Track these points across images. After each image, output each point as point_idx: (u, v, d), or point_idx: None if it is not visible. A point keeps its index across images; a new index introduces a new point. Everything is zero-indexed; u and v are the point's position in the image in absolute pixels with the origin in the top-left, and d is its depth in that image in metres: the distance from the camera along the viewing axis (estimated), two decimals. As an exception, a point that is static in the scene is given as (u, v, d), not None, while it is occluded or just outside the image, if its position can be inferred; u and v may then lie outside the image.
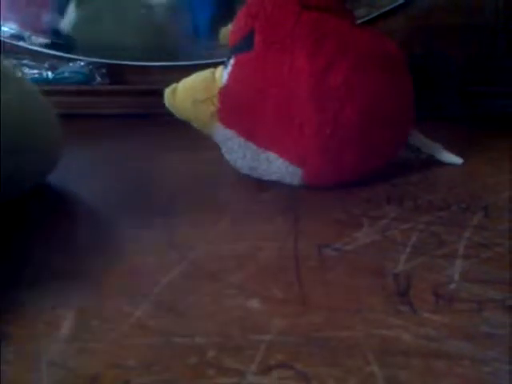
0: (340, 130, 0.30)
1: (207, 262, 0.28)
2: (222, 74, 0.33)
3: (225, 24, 0.58)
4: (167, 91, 0.34)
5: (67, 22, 0.58)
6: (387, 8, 0.49)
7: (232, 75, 0.32)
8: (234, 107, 0.32)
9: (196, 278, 0.27)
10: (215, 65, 0.51)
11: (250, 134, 0.32)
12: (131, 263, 0.28)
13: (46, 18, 0.60)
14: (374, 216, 0.31)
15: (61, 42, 0.56)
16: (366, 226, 0.30)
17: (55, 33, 0.58)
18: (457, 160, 0.37)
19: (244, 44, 0.31)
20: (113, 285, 0.26)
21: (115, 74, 0.52)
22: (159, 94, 0.36)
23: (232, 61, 0.32)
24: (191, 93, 0.33)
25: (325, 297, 0.25)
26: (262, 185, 0.35)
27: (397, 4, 0.47)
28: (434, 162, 0.37)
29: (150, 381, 0.21)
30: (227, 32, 0.50)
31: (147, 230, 0.31)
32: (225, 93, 0.32)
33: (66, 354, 0.22)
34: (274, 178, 0.34)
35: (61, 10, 0.59)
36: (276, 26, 0.30)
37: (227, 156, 0.35)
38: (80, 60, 0.54)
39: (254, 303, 0.25)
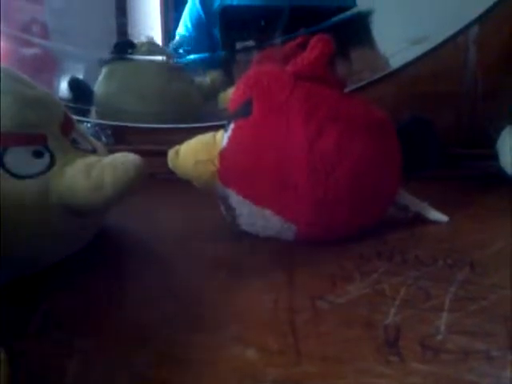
0: (331, 190, 0.33)
1: (205, 314, 0.29)
2: (223, 137, 0.36)
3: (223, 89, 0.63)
4: (171, 152, 0.37)
5: (98, 91, 0.63)
6: (377, 76, 0.53)
7: (231, 139, 0.34)
8: (233, 168, 0.34)
9: (195, 330, 0.28)
10: (215, 128, 0.55)
11: (247, 193, 0.34)
12: (129, 316, 0.30)
13: (55, 83, 0.65)
14: (365, 270, 0.33)
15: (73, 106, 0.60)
16: (357, 280, 0.32)
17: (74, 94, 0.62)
18: (443, 218, 0.39)
19: (243, 111, 0.34)
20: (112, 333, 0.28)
21: (120, 135, 0.55)
22: (162, 154, 0.38)
23: (231, 125, 0.35)
24: (193, 154, 0.36)
25: (318, 347, 0.26)
26: (258, 240, 0.37)
27: (386, 72, 0.51)
28: (421, 220, 0.39)
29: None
30: (226, 97, 0.54)
31: (145, 283, 0.33)
32: (224, 155, 0.35)
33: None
34: (270, 233, 0.35)
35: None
36: (272, 95, 0.33)
37: (226, 213, 0.37)
38: (87, 122, 0.57)
39: (250, 353, 0.26)
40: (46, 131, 0.32)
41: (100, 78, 0.63)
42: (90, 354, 0.26)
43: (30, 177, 0.30)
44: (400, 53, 0.52)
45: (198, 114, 0.64)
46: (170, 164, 0.37)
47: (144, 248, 0.37)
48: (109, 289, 0.32)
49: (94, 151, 0.35)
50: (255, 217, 0.34)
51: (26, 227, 0.30)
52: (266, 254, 0.35)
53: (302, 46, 0.36)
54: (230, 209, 0.35)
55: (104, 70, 0.63)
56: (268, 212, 0.34)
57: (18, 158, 0.30)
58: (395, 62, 0.53)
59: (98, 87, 0.63)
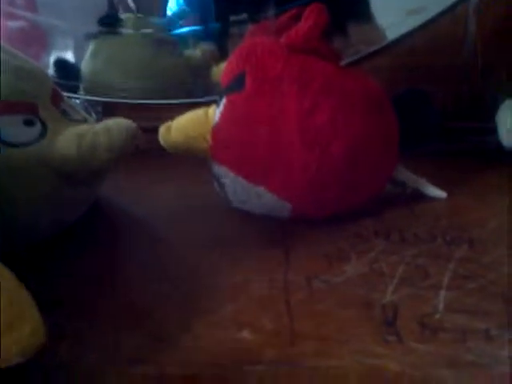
0: (326, 166, 0.32)
1: (200, 294, 0.29)
2: (215, 113, 0.35)
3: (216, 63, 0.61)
4: (162, 128, 0.36)
5: (85, 69, 0.61)
6: (374, 48, 0.51)
7: (223, 114, 0.33)
8: (226, 145, 0.33)
9: (189, 310, 0.27)
10: (206, 104, 0.54)
11: (240, 170, 0.33)
12: (123, 296, 0.29)
13: (45, 58, 0.63)
14: (361, 249, 0.32)
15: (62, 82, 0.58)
16: (354, 259, 0.31)
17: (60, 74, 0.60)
18: (441, 194, 0.38)
19: (235, 85, 0.33)
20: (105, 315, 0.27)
21: (109, 111, 0.54)
22: (153, 130, 0.37)
23: (224, 100, 0.34)
24: (185, 130, 0.35)
25: (314, 327, 0.26)
26: (251, 218, 0.36)
27: (383, 45, 0.49)
28: (419, 196, 0.39)
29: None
30: (219, 71, 0.52)
31: (139, 262, 0.32)
32: (217, 131, 0.34)
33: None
34: (263, 211, 0.35)
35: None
36: (266, 68, 0.32)
37: (219, 190, 0.36)
38: (76, 98, 0.55)
39: (245, 334, 0.26)
40: (37, 101, 0.32)
41: (87, 54, 0.61)
42: (83, 335, 0.25)
43: (23, 145, 0.30)
44: (397, 24, 0.51)
45: (188, 89, 0.63)
46: (161, 140, 0.35)
47: (137, 225, 0.36)
48: (101, 268, 0.31)
49: (84, 121, 0.34)
50: (248, 194, 0.33)
51: (20, 195, 0.29)
52: (259, 233, 0.35)
53: (296, 18, 0.34)
54: (222, 186, 0.34)
55: (91, 46, 0.62)
56: (261, 189, 0.33)
57: (9, 127, 0.30)
58: (392, 34, 0.51)
59: (85, 63, 0.61)
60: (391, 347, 0.24)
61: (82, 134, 0.30)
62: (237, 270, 0.31)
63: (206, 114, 0.36)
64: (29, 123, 0.31)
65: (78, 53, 0.63)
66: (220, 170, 0.34)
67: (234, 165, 0.33)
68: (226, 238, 0.35)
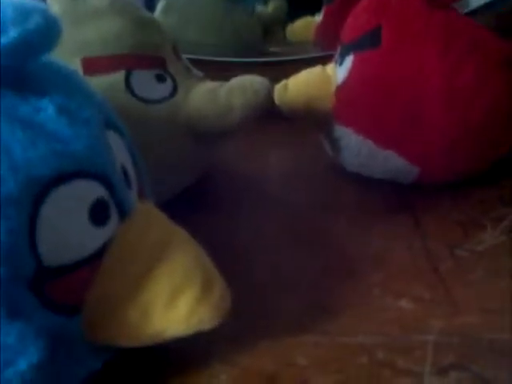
0: (466, 127, 0.30)
1: (341, 262, 0.28)
2: (336, 71, 0.33)
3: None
4: (278, 88, 0.34)
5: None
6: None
7: (353, 72, 0.31)
8: (355, 105, 0.31)
9: (336, 276, 0.27)
10: (290, 62, 0.51)
11: (369, 131, 0.31)
12: (263, 262, 0.28)
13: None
14: (493, 217, 0.31)
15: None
16: (488, 228, 0.30)
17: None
18: None
19: (368, 41, 0.31)
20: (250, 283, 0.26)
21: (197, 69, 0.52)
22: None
23: (351, 58, 0.32)
24: (305, 90, 0.33)
25: (473, 298, 0.25)
26: (368, 183, 0.35)
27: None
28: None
29: (327, 381, 0.21)
30: (295, 29, 0.50)
31: (271, 227, 0.31)
32: (343, 90, 0.32)
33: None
34: (385, 175, 0.33)
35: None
36: (406, 24, 0.30)
37: (334, 153, 0.34)
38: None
39: (404, 303, 0.25)
40: (164, 54, 0.30)
41: (157, 10, 0.59)
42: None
43: (158, 101, 0.29)
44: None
45: (258, 47, 0.61)
46: (278, 100, 0.34)
47: (257, 190, 0.35)
48: (228, 233, 0.30)
49: (203, 78, 0.33)
50: (374, 158, 0.32)
51: (150, 152, 0.28)
52: (383, 199, 0.33)
53: None
54: (342, 149, 0.33)
55: (161, 2, 0.59)
56: (391, 153, 0.31)
57: (143, 82, 0.29)
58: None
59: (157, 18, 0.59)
60: None
61: (215, 91, 0.29)
62: (370, 236, 0.30)
63: (325, 72, 0.34)
64: (161, 79, 0.29)
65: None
66: (343, 131, 0.32)
67: (362, 127, 0.31)
68: (348, 203, 0.33)
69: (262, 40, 0.62)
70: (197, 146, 0.31)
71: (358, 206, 0.33)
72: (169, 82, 0.30)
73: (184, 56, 0.35)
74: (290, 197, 0.34)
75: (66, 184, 0.17)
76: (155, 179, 0.27)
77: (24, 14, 0.15)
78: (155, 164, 0.28)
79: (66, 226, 0.17)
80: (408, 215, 0.32)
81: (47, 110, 0.17)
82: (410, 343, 0.23)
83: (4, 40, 0.15)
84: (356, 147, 0.32)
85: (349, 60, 0.32)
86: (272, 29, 0.62)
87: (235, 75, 0.32)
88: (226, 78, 0.32)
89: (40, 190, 0.16)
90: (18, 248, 0.16)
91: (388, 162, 0.32)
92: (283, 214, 0.33)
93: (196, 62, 0.36)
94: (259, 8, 0.62)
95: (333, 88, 0.33)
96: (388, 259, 0.28)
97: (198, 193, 0.33)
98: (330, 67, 0.34)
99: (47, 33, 0.16)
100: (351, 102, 0.32)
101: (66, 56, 0.27)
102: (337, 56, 0.34)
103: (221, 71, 0.52)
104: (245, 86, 0.29)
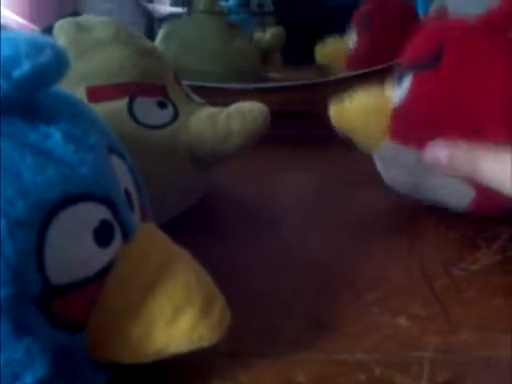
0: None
1: (339, 280, 0.28)
2: (393, 92, 0.34)
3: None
4: (334, 109, 0.34)
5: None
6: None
7: (411, 93, 0.32)
8: (413, 124, 0.32)
9: (334, 295, 0.27)
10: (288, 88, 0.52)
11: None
12: (265, 282, 0.29)
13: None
14: (487, 236, 0.32)
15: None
16: (483, 247, 0.31)
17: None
18: None
19: (427, 62, 0.31)
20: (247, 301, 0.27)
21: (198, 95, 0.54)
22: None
23: (410, 78, 0.32)
24: (363, 111, 0.33)
25: (468, 316, 0.25)
26: (365, 203, 0.35)
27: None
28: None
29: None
30: (328, 52, 0.50)
31: (269, 246, 0.32)
32: (402, 109, 0.32)
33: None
34: (438, 199, 0.33)
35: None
36: (468, 47, 0.30)
37: (387, 173, 0.34)
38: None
39: (401, 321, 0.25)
40: (165, 82, 0.32)
41: (158, 38, 0.61)
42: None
43: (159, 127, 0.30)
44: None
45: (257, 73, 0.62)
46: (334, 121, 0.34)
47: (254, 210, 0.36)
48: (228, 255, 0.31)
49: (204, 104, 0.34)
50: (430, 177, 0.31)
51: (151, 177, 0.29)
52: (381, 218, 0.34)
53: None
54: (396, 168, 0.33)
55: (162, 30, 0.61)
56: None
57: (145, 109, 0.30)
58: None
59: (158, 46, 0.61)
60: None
61: (214, 117, 0.30)
62: (368, 255, 0.30)
63: (384, 93, 0.34)
64: (162, 105, 0.30)
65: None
66: (399, 150, 0.32)
67: (421, 145, 0.31)
68: (345, 223, 0.34)
69: (260, 66, 0.63)
70: (197, 170, 0.32)
71: (356, 225, 0.34)
72: (170, 108, 0.31)
73: (184, 83, 0.36)
74: (286, 217, 0.35)
75: (72, 206, 0.18)
76: (156, 202, 0.28)
77: (37, 47, 0.16)
78: (156, 187, 0.29)
79: (73, 247, 0.18)
80: (404, 235, 0.32)
81: (55, 136, 0.18)
82: (406, 360, 0.23)
83: (18, 72, 0.16)
84: (411, 166, 0.32)
85: (407, 80, 0.32)
86: (270, 55, 0.64)
87: (234, 101, 0.33)
88: (226, 104, 0.33)
89: (48, 213, 0.17)
90: (26, 268, 0.16)
91: (443, 183, 0.32)
92: (280, 233, 0.33)
93: (196, 89, 0.37)
94: (257, 35, 0.63)
95: (390, 107, 0.33)
96: (385, 278, 0.29)
97: (197, 214, 0.34)
98: (388, 88, 0.35)
99: (57, 65, 0.17)
100: (410, 120, 0.32)
101: (72, 85, 0.28)
102: (395, 77, 0.34)
103: (220, 97, 0.54)
104: (243, 112, 0.30)
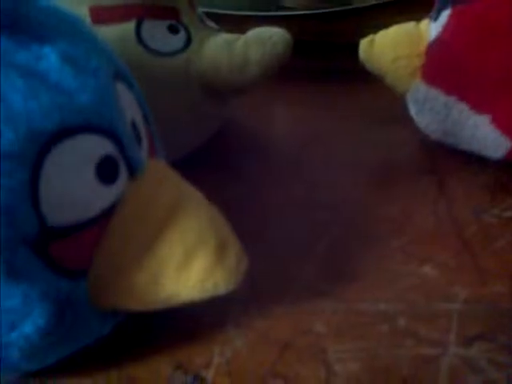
0: None
1: (361, 225, 0.27)
2: (429, 28, 0.30)
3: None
4: (364, 43, 0.31)
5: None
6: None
7: (448, 28, 0.28)
8: (446, 64, 0.28)
9: (355, 240, 0.26)
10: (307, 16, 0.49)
11: (461, 94, 0.28)
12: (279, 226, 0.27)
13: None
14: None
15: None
16: (517, 192, 0.29)
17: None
18: None
19: None
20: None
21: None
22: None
23: (448, 12, 0.29)
24: (393, 46, 0.30)
25: (499, 266, 0.24)
26: (392, 142, 0.33)
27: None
28: None
29: (345, 350, 0.20)
30: None
31: (286, 188, 0.30)
32: (436, 47, 0.29)
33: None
34: (473, 147, 0.30)
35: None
36: None
37: (419, 117, 0.31)
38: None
39: (428, 270, 0.24)
40: (178, 4, 0.28)
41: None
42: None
43: (170, 54, 0.27)
44: None
45: (274, 1, 0.58)
46: (363, 56, 0.31)
47: (270, 150, 0.34)
48: (245, 195, 0.29)
49: (219, 30, 0.31)
50: (462, 124, 0.29)
51: (163, 107, 0.26)
52: (408, 159, 0.32)
53: None
54: (428, 113, 0.30)
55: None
56: (483, 118, 0.28)
57: (155, 33, 0.27)
58: None
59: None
60: None
61: (230, 44, 0.27)
62: (392, 199, 0.28)
63: (417, 28, 0.31)
64: (173, 30, 0.28)
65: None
66: (431, 93, 0.29)
67: (453, 88, 0.28)
68: (369, 163, 0.32)
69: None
70: (211, 103, 0.29)
71: (380, 166, 0.32)
72: (182, 33, 0.28)
73: (199, 9, 0.33)
74: (307, 155, 0.32)
75: (70, 139, 0.16)
76: (166, 137, 0.26)
77: None
78: (166, 120, 0.27)
79: (71, 184, 0.16)
80: (432, 178, 0.30)
81: (50, 58, 0.16)
82: (433, 312, 0.22)
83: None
84: (444, 111, 0.30)
85: (445, 15, 0.29)
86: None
87: (251, 29, 0.30)
88: (242, 32, 0.30)
89: (42, 145, 0.15)
90: (19, 207, 0.15)
91: (478, 129, 0.29)
92: (300, 172, 0.31)
93: (210, 16, 0.34)
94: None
95: (424, 45, 0.30)
96: (411, 223, 0.27)
97: (210, 150, 0.32)
98: (424, 23, 0.31)
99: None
100: (442, 60, 0.29)
101: (73, 4, 0.26)
102: (433, 11, 0.32)
103: (236, 25, 0.50)
104: (263, 38, 0.27)
